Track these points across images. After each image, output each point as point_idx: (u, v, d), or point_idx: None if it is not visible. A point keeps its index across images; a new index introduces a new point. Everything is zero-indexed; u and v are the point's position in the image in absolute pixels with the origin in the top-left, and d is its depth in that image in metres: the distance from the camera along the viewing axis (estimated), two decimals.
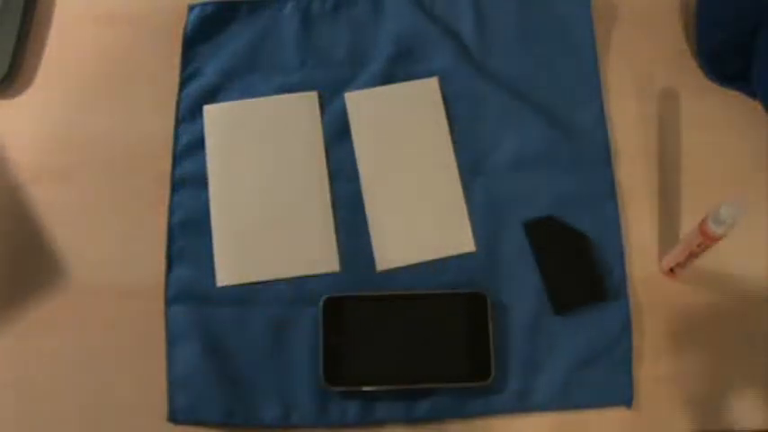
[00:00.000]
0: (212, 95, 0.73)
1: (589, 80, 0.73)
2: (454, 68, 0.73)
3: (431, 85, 0.73)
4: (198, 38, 0.75)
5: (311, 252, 0.68)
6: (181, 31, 0.75)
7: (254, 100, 0.73)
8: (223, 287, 0.67)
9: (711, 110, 0.73)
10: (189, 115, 0.73)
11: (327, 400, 0.64)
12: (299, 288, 0.67)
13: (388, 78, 0.73)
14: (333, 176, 0.71)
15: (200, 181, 0.70)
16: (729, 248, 0.67)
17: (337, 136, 0.72)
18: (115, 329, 0.67)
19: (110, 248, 0.69)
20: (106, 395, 0.65)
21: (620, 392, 0.64)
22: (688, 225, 0.69)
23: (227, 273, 0.68)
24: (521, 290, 0.67)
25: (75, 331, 0.67)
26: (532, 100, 0.72)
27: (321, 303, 0.65)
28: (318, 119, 0.73)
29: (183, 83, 0.74)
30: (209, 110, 0.73)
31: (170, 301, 0.67)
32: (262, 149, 0.72)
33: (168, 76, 0.74)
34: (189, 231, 0.69)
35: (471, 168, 0.71)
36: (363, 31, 0.75)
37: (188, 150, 0.72)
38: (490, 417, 0.64)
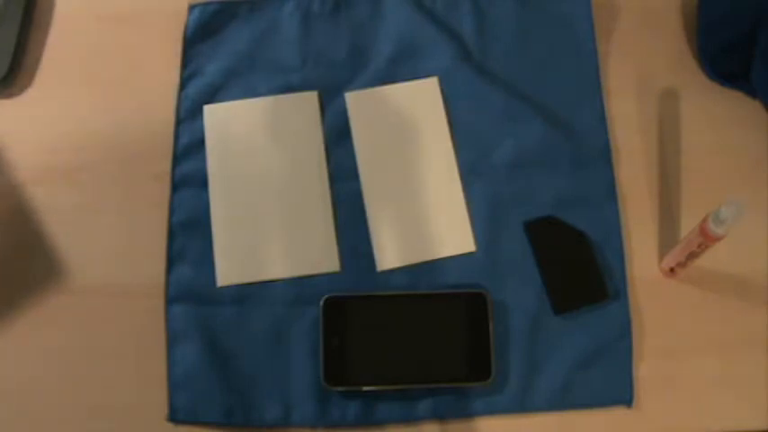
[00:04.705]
0: (212, 95, 0.73)
1: (589, 80, 0.73)
2: (454, 68, 0.73)
3: (431, 85, 0.73)
4: (198, 38, 0.75)
5: (311, 252, 0.68)
6: (181, 31, 0.75)
7: (254, 100, 0.73)
8: (223, 287, 0.67)
9: (712, 110, 0.73)
10: (189, 115, 0.73)
11: (327, 400, 0.64)
12: (299, 288, 0.67)
13: (388, 78, 0.73)
14: (333, 176, 0.71)
15: (201, 181, 0.70)
16: (729, 248, 0.67)
17: (337, 136, 0.72)
18: (115, 329, 0.67)
19: (110, 248, 0.69)
20: (106, 395, 0.65)
21: (620, 392, 0.64)
22: (688, 225, 0.69)
23: (227, 273, 0.68)
24: (521, 290, 0.67)
25: (75, 331, 0.67)
26: (532, 100, 0.72)
27: (321, 303, 0.65)
28: (318, 119, 0.73)
29: (183, 83, 0.74)
30: (209, 110, 0.73)
31: (170, 300, 0.67)
32: (262, 149, 0.72)
33: (168, 76, 0.74)
34: (189, 231, 0.69)
35: (471, 168, 0.71)
36: (364, 30, 0.75)
37: (188, 150, 0.72)
38: (490, 417, 0.64)
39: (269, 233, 0.69)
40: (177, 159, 0.71)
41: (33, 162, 0.72)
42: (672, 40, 0.76)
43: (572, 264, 0.67)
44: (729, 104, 0.73)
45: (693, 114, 0.73)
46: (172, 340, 0.66)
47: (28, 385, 0.65)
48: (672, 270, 0.66)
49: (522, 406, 0.64)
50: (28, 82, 0.75)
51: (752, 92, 0.72)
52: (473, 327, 0.64)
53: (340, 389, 0.63)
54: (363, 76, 0.74)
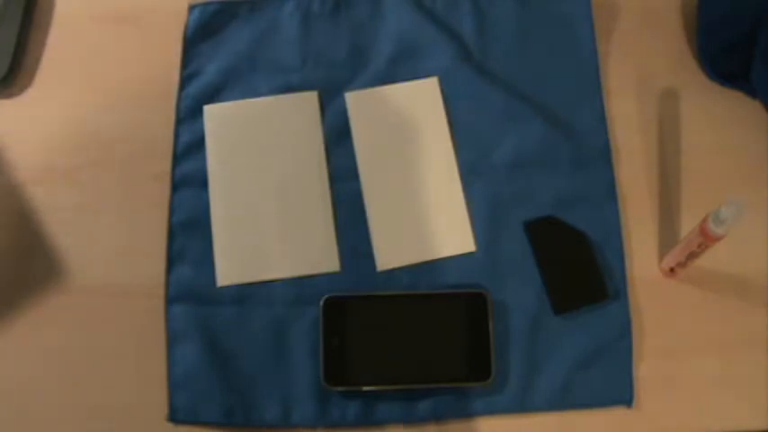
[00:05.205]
0: (212, 95, 0.73)
1: (589, 80, 0.73)
2: (454, 68, 0.73)
3: (431, 85, 0.73)
4: (198, 38, 0.75)
5: (311, 252, 0.68)
6: (181, 31, 0.75)
7: (254, 100, 0.73)
8: (223, 287, 0.67)
9: (712, 109, 0.73)
10: (189, 115, 0.73)
11: (327, 400, 0.64)
12: (299, 288, 0.67)
13: (388, 78, 0.73)
14: (333, 176, 0.71)
15: (201, 181, 0.70)
16: (729, 248, 0.67)
17: (337, 136, 0.72)
18: (115, 329, 0.67)
19: (110, 248, 0.69)
20: (106, 395, 0.65)
21: (620, 392, 0.64)
22: (688, 225, 0.69)
23: (227, 273, 0.68)
24: (521, 290, 0.67)
25: (76, 331, 0.67)
26: (532, 100, 0.72)
27: (321, 303, 0.65)
28: (318, 119, 0.73)
29: (183, 83, 0.74)
30: (209, 110, 0.73)
31: (170, 300, 0.67)
32: (262, 149, 0.72)
33: (168, 76, 0.74)
34: (189, 231, 0.69)
35: (471, 168, 0.71)
36: (364, 30, 0.75)
37: (188, 150, 0.72)
38: (490, 417, 0.64)
39: (269, 233, 0.69)
40: (177, 159, 0.71)
41: (33, 162, 0.72)
42: (672, 40, 0.76)
43: (572, 264, 0.67)
44: (729, 104, 0.73)
45: (693, 114, 0.73)
46: (172, 340, 0.66)
47: (28, 385, 0.65)
48: (672, 270, 0.66)
49: (522, 406, 0.64)
50: (28, 82, 0.75)
51: (752, 92, 0.72)
52: (473, 327, 0.64)
53: (340, 389, 0.63)
54: (363, 76, 0.74)
